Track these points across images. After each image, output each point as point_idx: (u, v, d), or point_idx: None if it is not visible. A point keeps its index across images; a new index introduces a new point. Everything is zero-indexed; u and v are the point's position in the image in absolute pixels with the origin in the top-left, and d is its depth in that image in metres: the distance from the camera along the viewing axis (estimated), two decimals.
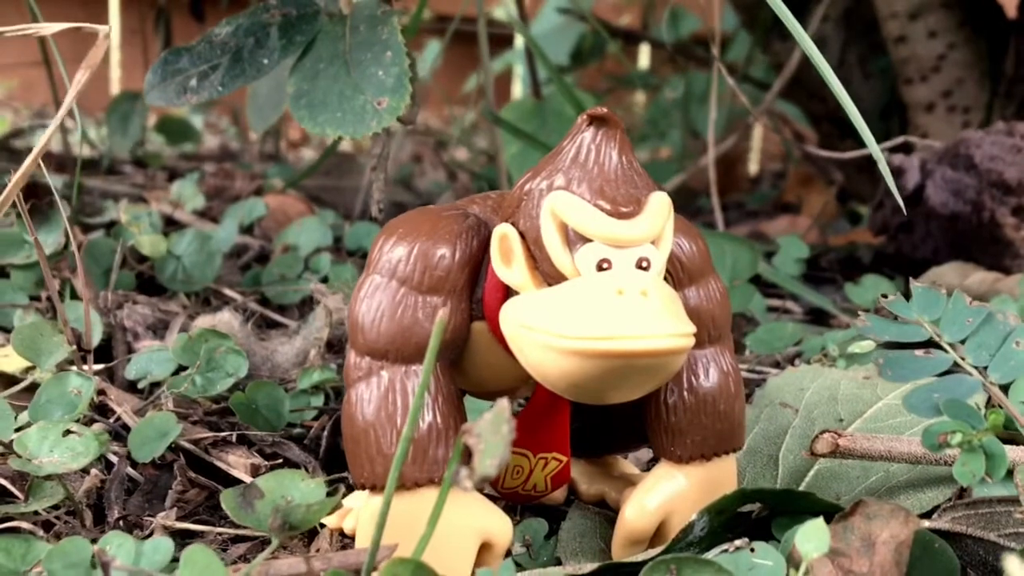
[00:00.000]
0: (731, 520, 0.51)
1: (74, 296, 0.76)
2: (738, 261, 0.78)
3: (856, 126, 0.51)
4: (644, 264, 0.46)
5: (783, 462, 0.59)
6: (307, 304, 0.82)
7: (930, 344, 0.46)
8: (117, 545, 0.43)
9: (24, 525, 0.47)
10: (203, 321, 0.72)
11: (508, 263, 0.47)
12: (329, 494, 0.46)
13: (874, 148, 0.51)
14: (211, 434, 0.60)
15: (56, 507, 0.50)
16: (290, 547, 0.53)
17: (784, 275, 0.82)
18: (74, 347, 0.60)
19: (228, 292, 0.84)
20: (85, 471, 0.52)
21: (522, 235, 0.47)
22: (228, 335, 0.62)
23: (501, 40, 2.06)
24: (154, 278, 0.85)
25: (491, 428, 0.36)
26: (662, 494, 0.52)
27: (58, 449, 0.48)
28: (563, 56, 1.86)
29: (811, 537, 0.41)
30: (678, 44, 1.58)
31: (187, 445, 0.59)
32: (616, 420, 0.57)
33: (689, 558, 0.42)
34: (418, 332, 0.48)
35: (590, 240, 0.46)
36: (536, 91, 1.19)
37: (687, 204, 1.34)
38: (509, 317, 0.47)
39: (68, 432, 0.48)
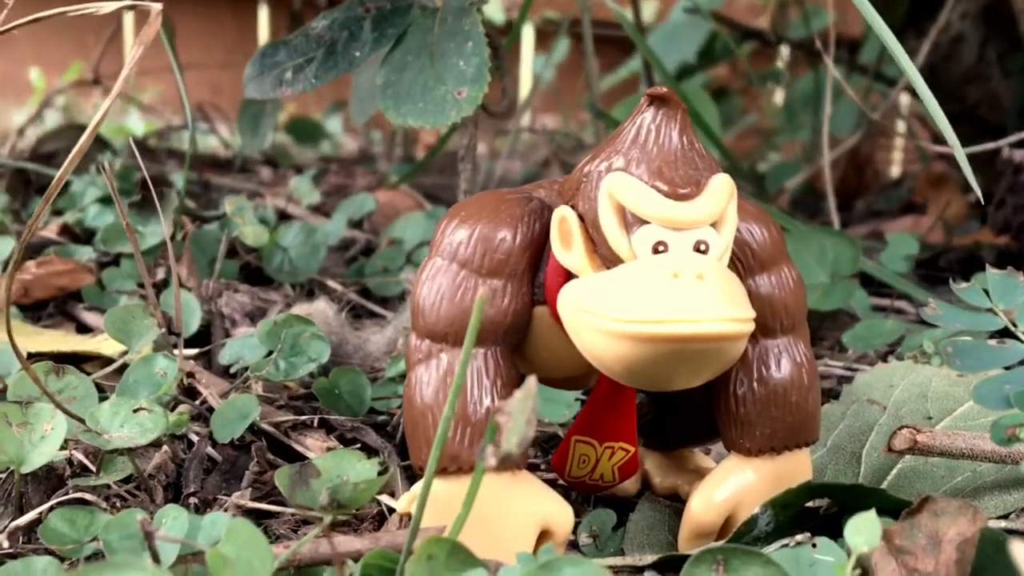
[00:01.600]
0: (799, 516, 0.49)
1: (180, 284, 0.78)
2: (839, 257, 0.76)
3: (939, 125, 0.49)
4: (702, 247, 0.45)
5: (866, 460, 0.57)
6: (406, 296, 0.83)
7: (1005, 334, 0.44)
8: (172, 518, 0.44)
9: (88, 498, 0.49)
10: (299, 309, 0.73)
11: (567, 246, 0.47)
12: (380, 475, 0.46)
13: (955, 145, 0.49)
14: (292, 417, 0.61)
15: (128, 481, 0.52)
16: (360, 530, 0.53)
17: (889, 272, 0.79)
18: (163, 331, 0.61)
19: (331, 283, 0.85)
20: (156, 447, 0.54)
21: (581, 218, 0.47)
22: (311, 321, 0.63)
23: (629, 41, 2.05)
24: (261, 269, 0.87)
25: (519, 406, 0.36)
26: (730, 487, 0.51)
27: (128, 425, 0.49)
28: (691, 54, 1.84)
29: (862, 530, 0.39)
30: (808, 43, 1.55)
31: (268, 428, 0.60)
32: (690, 412, 0.56)
33: (736, 549, 0.41)
34: None
35: (647, 222, 0.45)
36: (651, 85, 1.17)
37: (811, 204, 1.31)
38: (566, 301, 0.46)
39: (139, 409, 0.49)
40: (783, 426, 0.51)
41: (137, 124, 1.92)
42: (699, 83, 1.97)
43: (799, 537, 0.46)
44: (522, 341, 0.50)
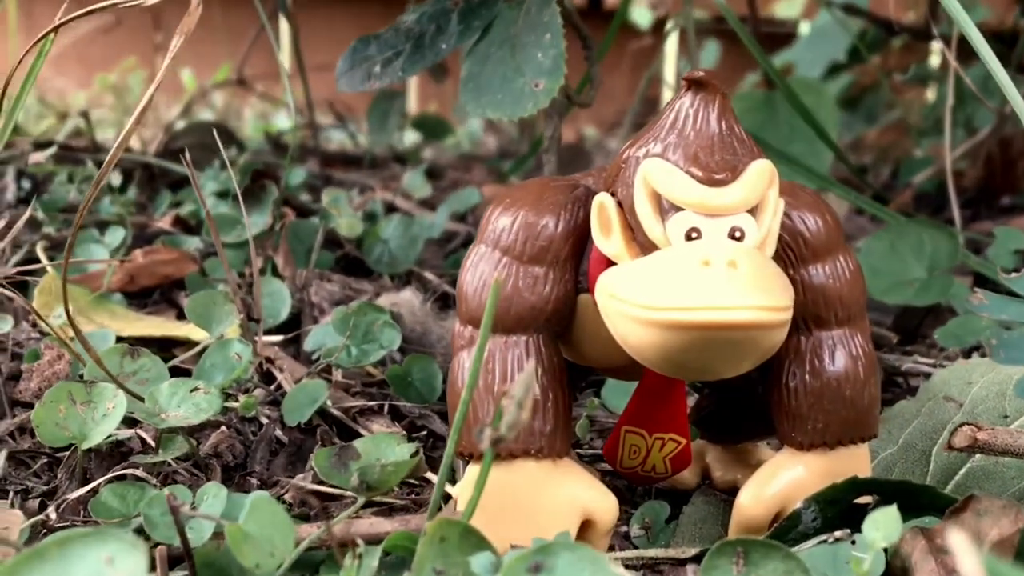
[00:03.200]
0: (846, 512, 0.48)
1: (275, 272, 0.81)
2: (937, 250, 0.73)
3: None
4: (737, 234, 0.44)
5: (936, 458, 0.55)
6: None
7: None
8: (213, 495, 0.46)
9: (139, 474, 0.50)
10: (385, 299, 0.75)
11: (606, 233, 0.47)
12: (413, 456, 0.46)
13: None
14: (361, 403, 0.62)
15: (188, 460, 0.54)
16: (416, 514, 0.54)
17: (992, 267, 0.76)
18: (242, 317, 0.63)
19: (428, 274, 0.86)
20: (215, 427, 0.55)
21: (620, 205, 0.47)
22: (384, 310, 0.64)
23: (779, 39, 2.01)
24: (362, 260, 0.89)
25: (518, 392, 0.36)
26: (780, 482, 0.50)
27: (184, 405, 0.51)
28: (840, 52, 1.80)
29: (881, 525, 0.38)
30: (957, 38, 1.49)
31: (336, 413, 0.61)
32: (752, 405, 0.55)
33: (757, 542, 0.40)
34: (518, 303, 0.48)
35: (682, 209, 0.44)
36: (768, 81, 1.15)
37: (940, 199, 1.26)
38: (602, 287, 0.46)
39: (195, 389, 0.51)
40: (836, 420, 0.49)
41: (284, 123, 1.97)
42: (846, 81, 1.93)
43: (838, 533, 0.45)
44: (567, 329, 0.50)
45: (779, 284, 0.44)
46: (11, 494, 0.50)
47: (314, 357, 0.67)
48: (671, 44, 2.27)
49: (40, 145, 1.08)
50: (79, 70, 2.09)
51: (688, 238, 0.45)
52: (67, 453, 0.52)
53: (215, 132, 1.10)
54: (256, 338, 0.64)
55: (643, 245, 0.46)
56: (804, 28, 2.15)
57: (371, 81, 0.74)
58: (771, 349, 0.45)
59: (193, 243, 0.86)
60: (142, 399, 0.51)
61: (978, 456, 0.53)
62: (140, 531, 0.45)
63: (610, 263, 0.47)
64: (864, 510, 0.49)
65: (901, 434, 0.57)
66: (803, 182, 0.91)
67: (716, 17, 1.94)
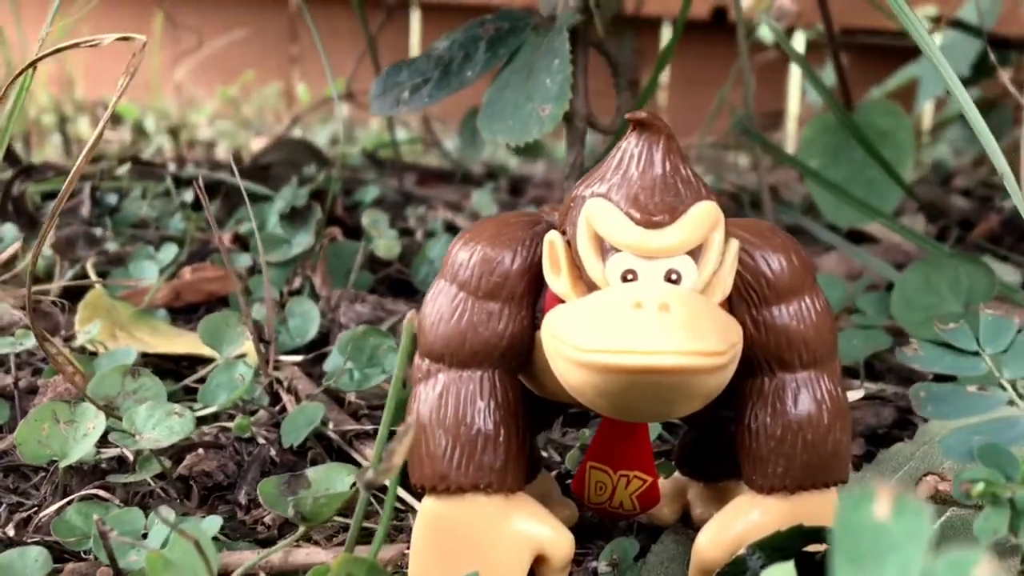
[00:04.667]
0: (798, 560, 0.47)
1: (313, 292, 0.82)
2: (974, 285, 0.71)
3: None
4: (674, 276, 0.44)
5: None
6: None
7: (989, 380, 0.40)
8: (163, 517, 0.47)
9: (101, 494, 0.52)
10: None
11: (556, 271, 0.47)
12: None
13: None
14: (357, 427, 0.63)
15: (164, 480, 0.55)
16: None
17: None
18: (250, 338, 0.64)
19: None
20: (205, 447, 0.57)
21: (569, 243, 0.47)
22: (389, 335, 0.65)
23: (907, 52, 1.97)
24: (408, 280, 0.90)
25: (398, 437, 0.36)
26: (740, 525, 0.49)
27: (159, 427, 0.53)
28: (965, 67, 1.75)
29: None
30: None
31: (333, 435, 0.62)
32: (730, 444, 0.54)
33: None
34: (472, 338, 0.48)
35: (620, 250, 0.44)
36: (847, 103, 1.13)
37: None
38: (546, 325, 0.46)
39: (172, 413, 0.53)
40: (798, 464, 0.48)
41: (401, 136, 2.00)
42: (974, 96, 1.87)
43: None
44: (528, 363, 0.50)
45: (716, 328, 0.43)
46: None
47: (324, 380, 0.69)
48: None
49: (122, 161, 1.12)
50: (218, 80, 2.16)
51: (624, 279, 0.44)
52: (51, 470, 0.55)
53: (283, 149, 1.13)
54: (268, 359, 0.66)
55: (589, 285, 0.46)
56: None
57: (399, 106, 0.75)
58: (711, 393, 0.44)
59: (244, 261, 0.88)
60: (119, 419, 0.53)
61: (955, 507, 0.51)
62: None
63: (562, 301, 0.47)
64: (813, 558, 0.48)
65: (892, 477, 0.55)
66: (863, 210, 0.90)
67: (842, 30, 1.90)
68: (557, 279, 0.46)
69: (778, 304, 0.49)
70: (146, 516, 0.48)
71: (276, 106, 2.22)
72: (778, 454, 0.48)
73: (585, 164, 0.76)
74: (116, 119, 2.00)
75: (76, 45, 0.44)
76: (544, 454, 0.65)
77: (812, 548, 0.47)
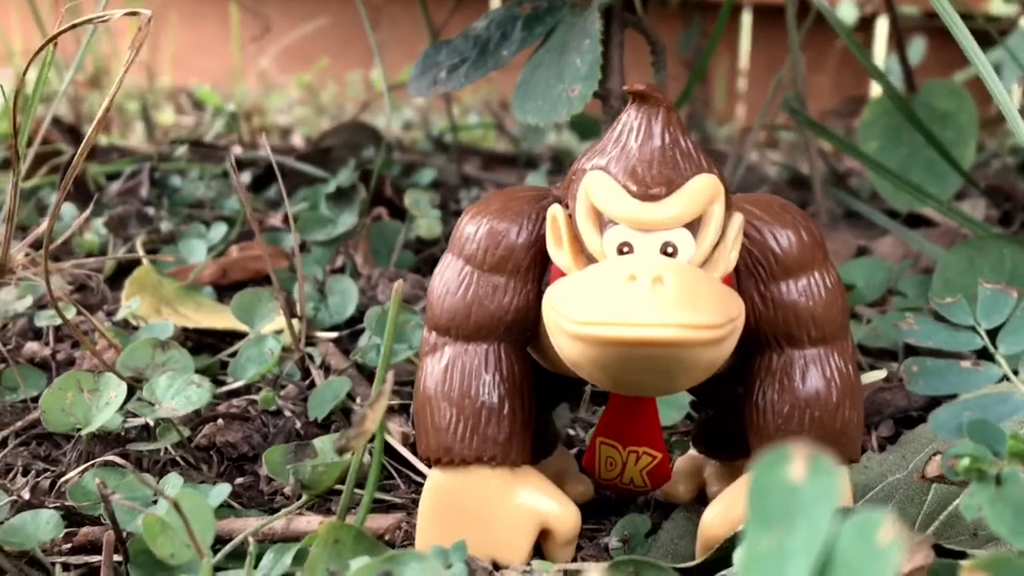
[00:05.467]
0: None
1: (354, 271, 0.83)
2: (1017, 267, 0.69)
3: None
4: (669, 249, 0.44)
5: (936, 489, 0.52)
6: None
7: (984, 355, 0.39)
8: (172, 484, 0.48)
9: (118, 461, 0.53)
10: None
11: (558, 245, 0.47)
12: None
13: None
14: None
15: (181, 448, 0.56)
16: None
17: None
18: (281, 312, 0.65)
19: None
20: (213, 420, 0.58)
21: (571, 217, 0.47)
22: (416, 312, 0.65)
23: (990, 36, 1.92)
24: None
25: (370, 402, 0.37)
26: (744, 502, 0.48)
27: (178, 397, 0.54)
28: None
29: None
30: None
31: (359, 409, 0.63)
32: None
33: (646, 562, 0.40)
34: (478, 311, 0.49)
35: (617, 223, 0.44)
36: (910, 86, 1.11)
37: None
38: (546, 298, 0.46)
39: (191, 383, 0.54)
40: (804, 442, 0.48)
41: (474, 121, 2.00)
42: None
43: None
44: (534, 338, 0.50)
45: (711, 301, 0.43)
46: (14, 472, 0.54)
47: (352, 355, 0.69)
48: (880, 40, 2.19)
49: (181, 143, 1.14)
50: (302, 68, 2.18)
51: (620, 252, 0.44)
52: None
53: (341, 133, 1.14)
54: (299, 335, 0.67)
55: (589, 258, 0.46)
56: None
57: (436, 86, 0.75)
58: (709, 366, 0.44)
59: (289, 240, 0.89)
60: (140, 389, 0.55)
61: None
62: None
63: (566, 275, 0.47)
64: None
65: (913, 460, 0.55)
66: (914, 194, 0.88)
67: (926, 13, 1.86)
68: (559, 252, 0.47)
69: (786, 280, 0.48)
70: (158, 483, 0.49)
71: (357, 94, 2.24)
72: (785, 431, 0.48)
73: None
74: (198, 104, 2.04)
75: (89, 21, 0.45)
76: (571, 431, 0.65)
77: None
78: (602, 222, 0.45)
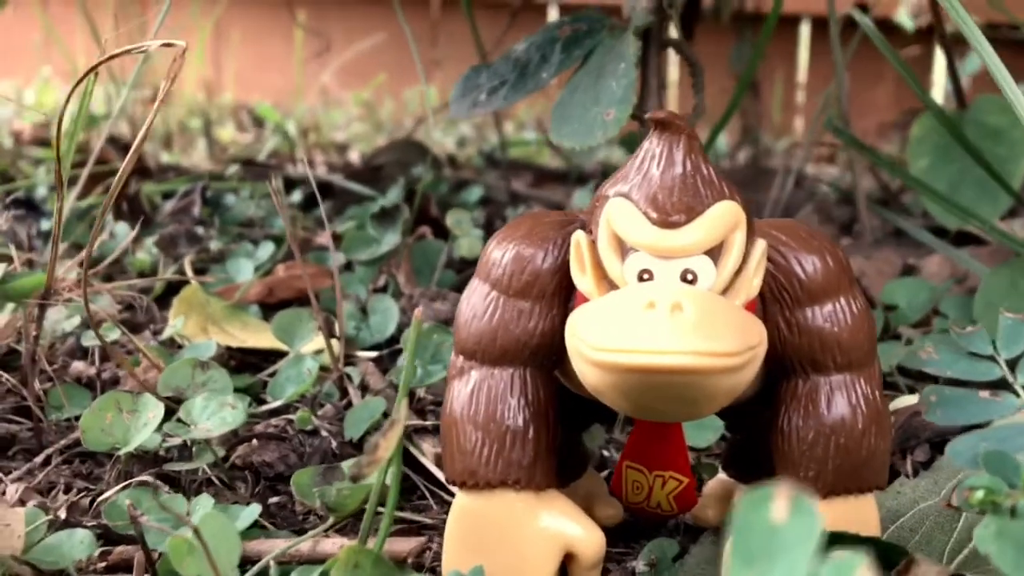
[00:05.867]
0: None
1: (396, 291, 0.84)
2: None
3: None
4: (689, 276, 0.44)
5: (967, 517, 0.52)
6: None
7: (1001, 385, 0.39)
8: (203, 505, 0.49)
9: (148, 479, 0.55)
10: None
11: (581, 270, 0.47)
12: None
13: None
14: (419, 422, 0.64)
15: (217, 468, 0.58)
16: None
17: None
18: (320, 333, 0.66)
19: None
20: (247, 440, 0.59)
21: (594, 243, 0.47)
22: (451, 332, 0.66)
23: None
24: None
25: (384, 431, 0.37)
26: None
27: (213, 418, 0.55)
28: None
29: None
30: None
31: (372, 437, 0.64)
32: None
33: None
34: (503, 335, 0.49)
35: (638, 250, 0.45)
36: (960, 101, 1.10)
37: None
38: (569, 324, 0.46)
39: (226, 405, 0.55)
40: (830, 469, 0.48)
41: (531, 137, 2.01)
42: None
43: None
44: (561, 362, 0.51)
45: (731, 329, 0.43)
46: (56, 490, 0.56)
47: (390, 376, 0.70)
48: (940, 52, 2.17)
49: (239, 162, 1.16)
50: (361, 84, 2.20)
51: (640, 279, 0.45)
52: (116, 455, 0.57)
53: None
54: (338, 355, 0.68)
55: (611, 284, 0.46)
56: None
57: (476, 108, 0.76)
58: (729, 393, 0.44)
59: (336, 259, 0.90)
60: (176, 410, 0.56)
61: None
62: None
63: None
64: None
65: (945, 486, 0.54)
66: (953, 211, 0.87)
67: (987, 24, 1.84)
68: (582, 278, 0.47)
69: (811, 306, 0.48)
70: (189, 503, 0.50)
71: (415, 110, 2.26)
72: (809, 458, 0.48)
73: None
74: (258, 121, 2.07)
75: (128, 52, 0.46)
76: (605, 453, 0.65)
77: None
78: (623, 249, 0.45)
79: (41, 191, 1.14)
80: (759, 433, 0.54)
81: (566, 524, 0.49)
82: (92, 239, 0.56)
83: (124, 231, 0.96)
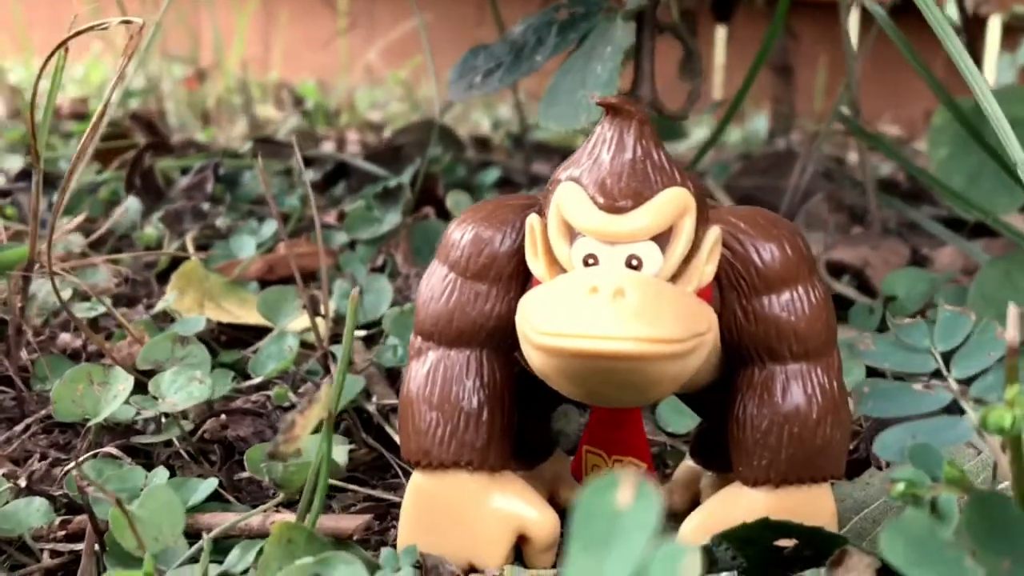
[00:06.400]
0: (770, 553, 0.46)
1: (393, 270, 0.84)
2: None
3: None
4: (634, 262, 0.44)
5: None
6: None
7: (937, 377, 0.38)
8: (159, 477, 0.50)
9: (114, 452, 0.55)
10: None
11: (534, 254, 0.47)
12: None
13: None
14: (394, 401, 0.64)
15: (186, 442, 0.58)
16: None
17: None
18: (304, 311, 0.67)
19: None
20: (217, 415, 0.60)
21: (547, 227, 0.47)
22: None
23: None
24: None
25: (306, 409, 0.37)
26: (723, 515, 0.48)
27: (181, 392, 0.55)
28: None
29: None
30: None
31: (372, 410, 0.64)
32: None
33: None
34: (460, 317, 0.49)
35: (585, 235, 0.45)
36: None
37: None
38: (519, 307, 0.46)
39: (193, 379, 0.56)
40: (783, 458, 0.47)
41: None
42: None
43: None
44: (519, 345, 0.51)
45: (675, 315, 0.43)
46: (32, 459, 0.57)
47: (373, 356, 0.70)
48: (992, 40, 2.13)
49: (255, 140, 1.17)
50: (405, 64, 2.20)
51: (586, 264, 0.45)
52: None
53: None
54: (321, 333, 0.68)
55: (561, 268, 0.46)
56: None
57: (471, 90, 0.76)
58: (675, 379, 0.44)
59: (339, 238, 0.91)
60: (145, 383, 0.56)
61: None
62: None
63: None
64: (783, 553, 0.47)
65: (841, 470, 0.53)
66: (959, 203, 0.86)
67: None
68: (535, 261, 0.47)
69: (768, 294, 0.48)
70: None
71: None
72: (763, 446, 0.48)
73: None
74: (298, 100, 2.08)
75: (90, 29, 0.47)
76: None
77: (782, 543, 0.46)
78: (572, 233, 0.45)
79: (63, 165, 1.15)
80: (720, 421, 0.54)
81: (519, 506, 0.49)
82: (51, 217, 0.57)
83: (136, 206, 0.97)
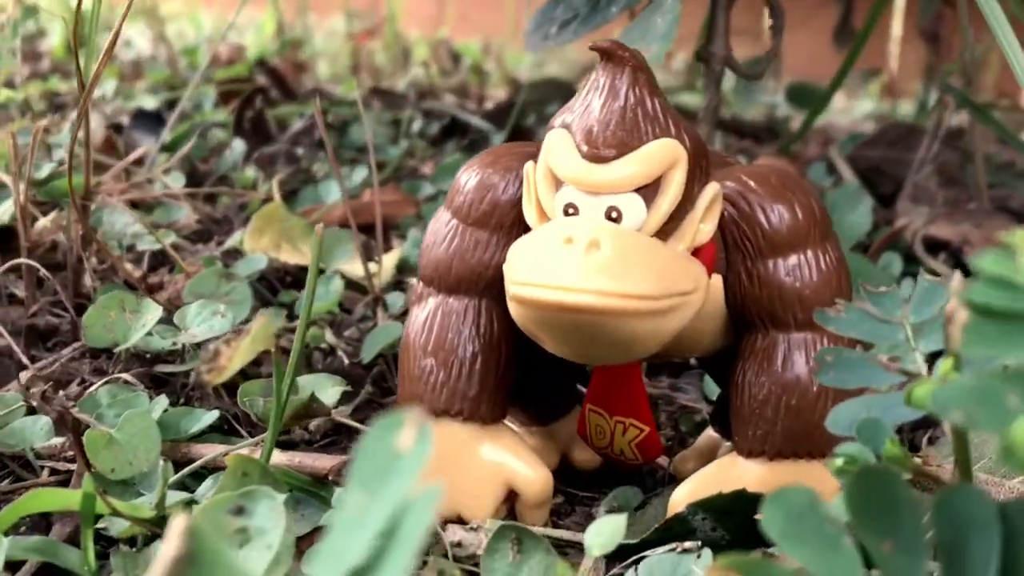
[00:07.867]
0: (752, 529, 0.44)
1: None
2: None
3: None
4: (614, 214, 0.42)
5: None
6: None
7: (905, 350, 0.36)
8: (160, 405, 0.51)
9: (129, 379, 0.56)
10: None
11: (528, 201, 0.46)
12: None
13: None
14: None
15: None
16: None
17: None
18: (358, 254, 0.67)
19: None
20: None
21: None
22: None
23: None
24: None
25: (240, 339, 0.37)
26: (716, 484, 0.46)
27: (204, 325, 0.56)
28: None
29: (602, 532, 0.35)
30: None
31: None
32: None
33: (528, 531, 0.39)
34: (459, 264, 0.48)
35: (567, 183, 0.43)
36: None
37: None
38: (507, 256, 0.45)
39: (216, 313, 0.56)
40: (779, 430, 0.45)
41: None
42: None
43: (687, 544, 0.42)
44: None
45: (653, 271, 0.41)
46: (72, 381, 0.58)
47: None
48: None
49: (376, 91, 1.18)
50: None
51: (566, 213, 0.43)
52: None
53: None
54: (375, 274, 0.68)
55: (548, 217, 0.45)
56: None
57: (547, 41, 0.74)
58: (653, 336, 0.42)
59: (425, 189, 0.91)
60: (171, 313, 0.57)
61: None
62: None
63: None
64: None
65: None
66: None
67: None
68: (528, 208, 0.46)
69: (773, 257, 0.46)
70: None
71: None
72: (759, 416, 0.46)
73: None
74: (455, 58, 2.09)
75: None
76: None
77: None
78: (558, 181, 0.44)
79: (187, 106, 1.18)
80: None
81: (510, 459, 0.48)
82: (77, 156, 0.58)
83: (240, 147, 0.99)
